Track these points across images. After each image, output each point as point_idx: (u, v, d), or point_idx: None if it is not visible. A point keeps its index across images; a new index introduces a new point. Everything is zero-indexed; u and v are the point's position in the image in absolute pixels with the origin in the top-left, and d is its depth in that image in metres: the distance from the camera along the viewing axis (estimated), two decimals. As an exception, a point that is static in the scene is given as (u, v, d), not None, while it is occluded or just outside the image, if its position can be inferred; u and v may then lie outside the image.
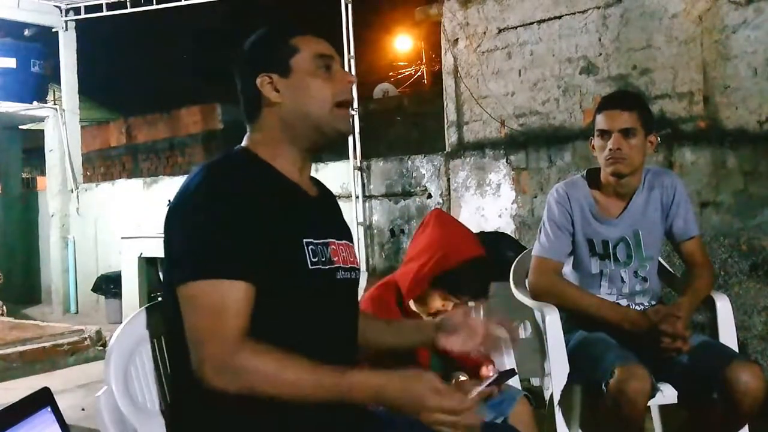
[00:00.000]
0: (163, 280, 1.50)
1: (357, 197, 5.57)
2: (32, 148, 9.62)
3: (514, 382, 2.17)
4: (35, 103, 7.45)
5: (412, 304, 2.10)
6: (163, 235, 1.42)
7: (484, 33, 4.79)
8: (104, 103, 13.63)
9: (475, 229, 3.04)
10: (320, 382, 1.27)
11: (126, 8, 7.01)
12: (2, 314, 6.62)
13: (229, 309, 1.29)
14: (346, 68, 5.62)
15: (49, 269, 7.81)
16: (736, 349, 2.31)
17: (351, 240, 1.59)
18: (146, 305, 1.61)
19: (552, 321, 2.33)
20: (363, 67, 6.73)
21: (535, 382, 3.36)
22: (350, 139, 5.62)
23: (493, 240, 3.97)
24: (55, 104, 8.34)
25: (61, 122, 7.47)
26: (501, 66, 4.72)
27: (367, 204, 5.63)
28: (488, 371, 2.11)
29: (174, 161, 11.02)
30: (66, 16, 7.44)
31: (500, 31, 4.71)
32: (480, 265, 2.08)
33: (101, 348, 5.20)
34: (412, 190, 5.38)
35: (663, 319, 2.21)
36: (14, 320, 6.11)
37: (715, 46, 3.83)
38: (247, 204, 1.34)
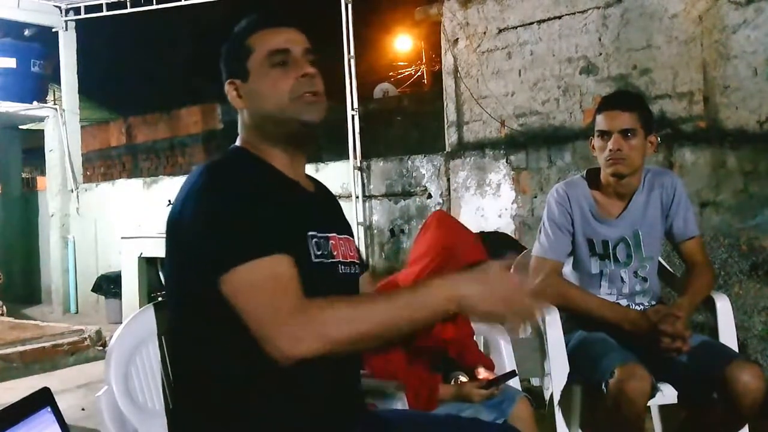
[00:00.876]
0: (167, 282, 1.48)
1: (357, 197, 5.57)
2: (32, 148, 9.61)
3: (514, 382, 2.17)
4: (35, 103, 7.46)
5: None
6: (165, 239, 1.40)
7: (484, 33, 4.79)
8: (104, 103, 13.63)
9: (475, 229, 3.04)
10: (395, 303, 1.27)
11: (126, 8, 7.01)
12: (2, 314, 6.62)
13: (281, 280, 1.27)
14: (346, 68, 5.63)
15: (49, 269, 7.81)
16: (736, 349, 2.31)
17: (352, 235, 1.58)
18: (147, 305, 1.61)
19: (552, 321, 2.33)
20: (363, 67, 6.71)
21: (535, 382, 3.36)
22: (350, 139, 5.63)
23: (493, 240, 3.97)
24: (55, 104, 8.34)
25: (61, 122, 7.48)
26: (501, 66, 4.72)
27: (367, 204, 5.63)
28: (487, 372, 2.11)
29: (174, 161, 11.01)
30: (66, 16, 7.45)
31: (500, 31, 4.71)
32: None
33: (101, 348, 5.20)
34: (412, 190, 5.38)
35: (663, 319, 2.21)
36: (14, 320, 6.12)
37: (715, 46, 3.83)
38: (254, 195, 1.34)
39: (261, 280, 1.26)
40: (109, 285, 6.82)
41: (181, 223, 1.37)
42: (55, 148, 7.55)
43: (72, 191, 7.58)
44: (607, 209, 2.42)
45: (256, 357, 1.29)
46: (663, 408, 2.56)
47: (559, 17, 4.44)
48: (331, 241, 1.45)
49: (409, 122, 8.60)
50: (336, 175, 5.64)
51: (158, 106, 11.42)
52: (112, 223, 7.27)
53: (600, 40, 4.26)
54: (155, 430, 1.45)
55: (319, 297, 1.29)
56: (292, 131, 1.45)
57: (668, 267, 2.67)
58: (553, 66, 4.47)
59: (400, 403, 1.87)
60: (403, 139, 8.19)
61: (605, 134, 2.35)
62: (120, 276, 6.55)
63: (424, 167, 5.30)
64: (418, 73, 17.05)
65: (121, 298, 6.53)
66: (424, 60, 16.94)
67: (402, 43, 17.67)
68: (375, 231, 5.61)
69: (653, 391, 2.09)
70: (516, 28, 4.64)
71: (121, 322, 1.56)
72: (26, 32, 7.79)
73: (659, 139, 2.52)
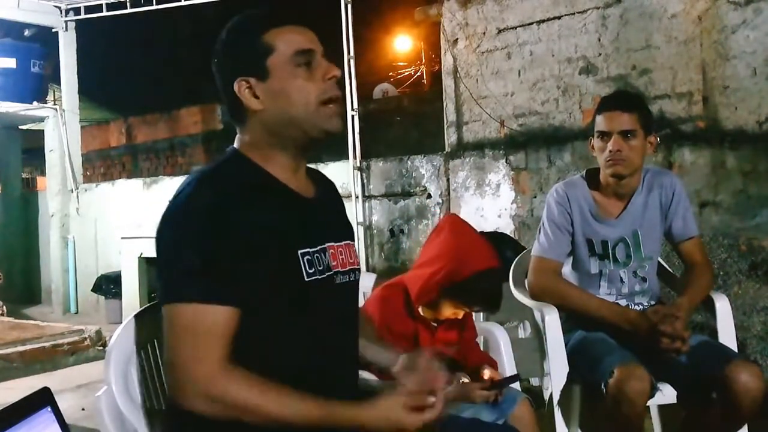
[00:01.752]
0: (156, 280, 1.48)
1: (357, 197, 5.57)
2: (32, 148, 9.60)
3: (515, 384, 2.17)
4: (35, 103, 7.46)
5: (420, 309, 2.09)
6: (155, 244, 1.38)
7: (484, 33, 4.79)
8: (104, 103, 13.62)
9: (474, 230, 3.04)
10: (302, 415, 1.27)
11: (126, 8, 7.01)
12: (2, 314, 6.62)
13: (212, 334, 1.27)
14: (346, 69, 5.62)
15: (49, 269, 7.81)
16: (736, 349, 2.31)
17: (352, 238, 1.55)
18: (147, 305, 1.61)
19: (551, 321, 2.33)
20: (363, 67, 6.72)
21: (534, 382, 3.36)
22: (350, 139, 5.63)
23: (493, 240, 3.97)
24: (55, 104, 8.34)
25: (61, 122, 7.48)
26: (500, 66, 4.72)
27: (366, 204, 5.63)
28: (491, 374, 2.11)
29: (174, 161, 11.01)
30: (66, 16, 7.44)
31: (500, 31, 4.72)
32: (493, 277, 2.04)
33: (101, 348, 5.20)
34: (412, 190, 5.38)
35: (662, 320, 2.20)
36: (14, 320, 6.12)
37: (714, 46, 3.83)
38: (237, 220, 1.30)
39: (191, 327, 1.27)
40: (109, 285, 6.82)
41: (158, 232, 1.36)
42: (55, 148, 7.55)
43: (72, 191, 7.58)
44: (607, 209, 2.42)
45: (251, 359, 1.30)
46: (662, 408, 2.56)
47: (559, 17, 4.44)
48: (329, 251, 1.42)
49: (408, 122, 8.60)
50: (335, 175, 5.57)
51: (158, 106, 11.42)
52: (112, 223, 7.27)
53: (599, 40, 4.27)
54: (155, 430, 1.46)
55: (313, 310, 1.35)
56: (312, 137, 1.42)
57: (667, 267, 2.67)
58: (552, 66, 4.47)
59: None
60: (402, 140, 8.19)
61: (605, 135, 2.35)
62: (120, 276, 6.56)
63: (423, 167, 5.30)
64: (418, 74, 17.04)
65: (121, 298, 6.53)
66: (423, 60, 16.92)
67: (402, 44, 17.65)
68: (374, 231, 5.61)
69: (653, 391, 2.09)
70: (515, 28, 4.64)
71: (121, 322, 1.56)
72: (26, 32, 7.79)
73: (659, 139, 2.52)
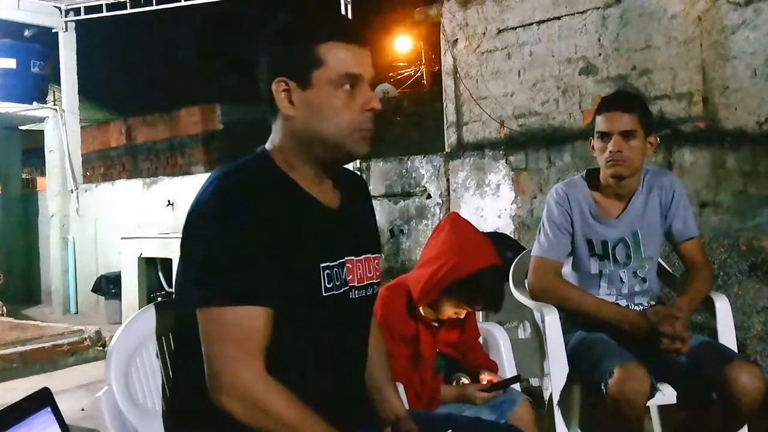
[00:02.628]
0: (177, 286, 1.46)
1: (357, 198, 5.57)
2: (32, 149, 9.61)
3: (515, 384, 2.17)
4: (35, 103, 7.46)
5: (422, 309, 2.08)
6: (180, 241, 1.38)
7: (484, 34, 4.79)
8: (104, 104, 13.63)
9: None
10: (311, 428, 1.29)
11: (126, 8, 7.01)
12: (2, 314, 6.62)
13: (249, 336, 1.28)
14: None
15: (49, 269, 7.81)
16: (736, 350, 2.31)
17: (375, 250, 1.53)
18: (146, 305, 1.62)
19: (551, 321, 2.33)
20: (363, 67, 6.72)
21: (534, 382, 3.36)
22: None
23: (493, 240, 3.96)
24: (55, 105, 8.34)
25: (61, 123, 7.48)
26: (500, 66, 4.72)
27: (366, 204, 5.63)
28: (491, 375, 2.11)
29: (174, 162, 11.02)
30: (66, 16, 7.44)
31: (500, 31, 4.71)
32: (494, 274, 2.03)
33: (101, 348, 5.20)
34: (412, 191, 5.38)
35: (662, 320, 2.21)
36: (14, 320, 6.11)
37: (714, 46, 3.83)
38: (263, 226, 1.30)
39: (231, 328, 1.28)
40: (109, 285, 6.81)
41: (187, 232, 1.36)
42: (55, 149, 7.55)
43: (72, 192, 7.58)
44: (607, 210, 2.42)
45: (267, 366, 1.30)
46: (662, 408, 2.56)
47: (559, 18, 4.44)
48: (347, 265, 1.42)
49: (408, 123, 8.60)
50: (336, 176, 5.64)
51: (158, 107, 11.44)
52: (112, 223, 7.26)
53: (599, 40, 4.27)
54: (155, 431, 1.46)
55: (326, 324, 1.37)
56: (336, 158, 1.42)
57: (667, 267, 2.67)
58: (552, 67, 4.47)
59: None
60: (402, 140, 8.18)
61: (605, 135, 2.35)
62: (120, 276, 6.55)
63: (423, 168, 5.30)
64: (418, 74, 17.05)
65: (121, 299, 6.53)
66: (423, 61, 16.93)
67: (401, 44, 17.66)
68: (375, 231, 5.61)
69: (652, 392, 2.09)
70: (515, 28, 4.64)
71: (121, 323, 1.57)
72: (26, 33, 7.78)
73: (659, 139, 2.52)
